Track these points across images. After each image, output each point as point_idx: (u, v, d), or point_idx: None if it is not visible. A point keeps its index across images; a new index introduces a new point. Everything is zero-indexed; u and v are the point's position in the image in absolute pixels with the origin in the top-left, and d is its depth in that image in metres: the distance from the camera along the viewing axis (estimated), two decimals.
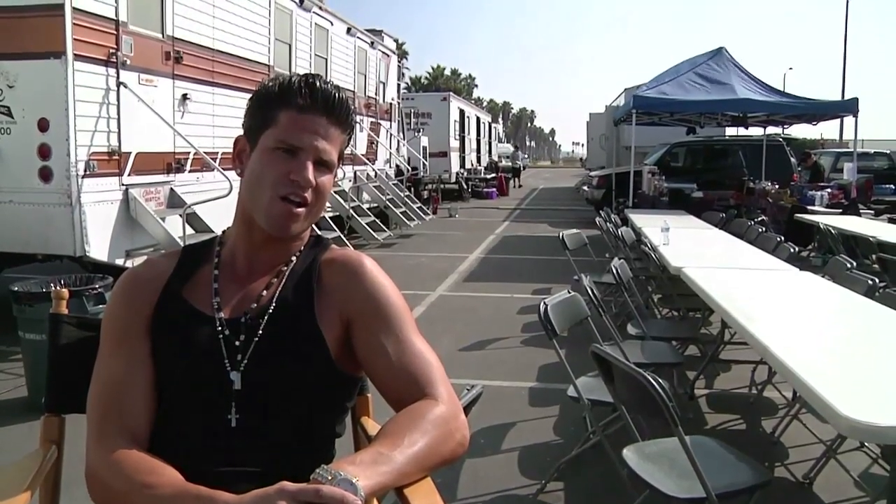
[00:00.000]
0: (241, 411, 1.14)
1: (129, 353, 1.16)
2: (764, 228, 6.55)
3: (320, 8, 9.39)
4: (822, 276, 3.81)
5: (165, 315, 1.19)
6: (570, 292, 2.97)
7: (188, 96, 6.06)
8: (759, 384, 3.98)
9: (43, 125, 4.68)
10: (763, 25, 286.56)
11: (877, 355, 2.38)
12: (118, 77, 5.13)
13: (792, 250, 4.89)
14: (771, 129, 12.74)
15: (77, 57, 4.71)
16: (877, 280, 3.37)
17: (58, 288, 1.78)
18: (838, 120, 13.02)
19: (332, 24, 9.89)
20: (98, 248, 4.91)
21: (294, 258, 1.26)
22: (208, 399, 1.14)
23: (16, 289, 3.71)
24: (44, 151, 4.70)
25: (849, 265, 3.79)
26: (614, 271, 3.84)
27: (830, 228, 6.77)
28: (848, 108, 10.29)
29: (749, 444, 3.24)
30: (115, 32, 5.09)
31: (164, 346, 1.17)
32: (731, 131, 15.01)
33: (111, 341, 1.19)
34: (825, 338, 2.66)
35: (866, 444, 3.04)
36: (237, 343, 1.17)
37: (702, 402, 3.97)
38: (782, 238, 5.47)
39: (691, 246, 5.19)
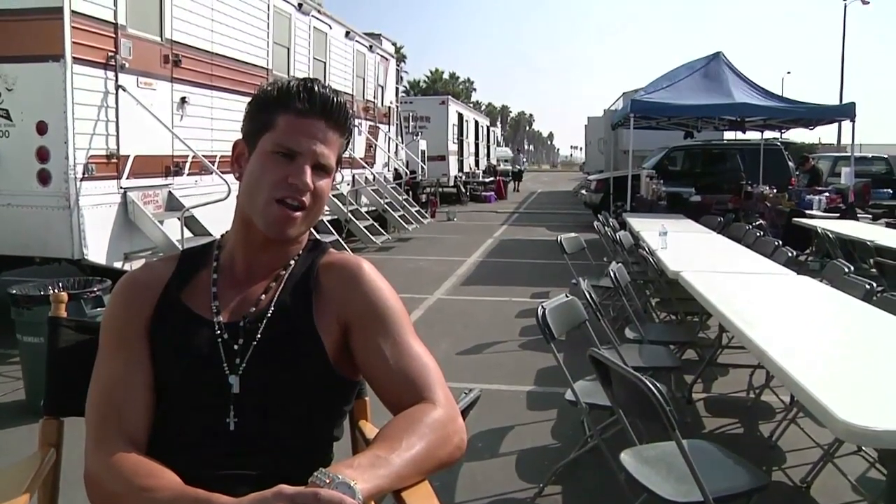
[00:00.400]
0: (240, 415, 1.14)
1: (127, 356, 1.17)
2: (762, 232, 6.55)
3: (319, 11, 9.40)
4: (820, 281, 3.82)
5: (164, 319, 1.20)
6: (568, 296, 2.97)
7: (187, 99, 6.07)
8: (757, 388, 3.98)
9: (41, 128, 4.69)
10: (762, 26, 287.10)
11: (874, 359, 2.39)
12: (117, 80, 5.13)
13: (790, 254, 4.90)
14: (768, 134, 12.77)
15: (76, 60, 4.71)
16: (874, 284, 3.38)
17: (56, 291, 1.77)
18: (836, 124, 13.06)
19: (330, 27, 9.91)
20: (96, 251, 4.90)
21: (292, 262, 1.27)
22: (207, 402, 1.14)
23: (14, 292, 3.70)
24: (42, 154, 4.70)
25: (846, 269, 3.79)
26: (612, 275, 3.84)
27: (828, 232, 6.78)
28: (845, 112, 10.31)
29: (746, 448, 3.25)
30: (113, 36, 5.10)
31: (163, 349, 1.18)
32: (728, 135, 15.06)
33: (110, 344, 1.19)
34: (822, 342, 2.66)
35: (863, 448, 3.04)
36: (235, 347, 1.17)
37: (699, 405, 3.97)
38: (780, 242, 5.48)
39: (689, 250, 5.20)
